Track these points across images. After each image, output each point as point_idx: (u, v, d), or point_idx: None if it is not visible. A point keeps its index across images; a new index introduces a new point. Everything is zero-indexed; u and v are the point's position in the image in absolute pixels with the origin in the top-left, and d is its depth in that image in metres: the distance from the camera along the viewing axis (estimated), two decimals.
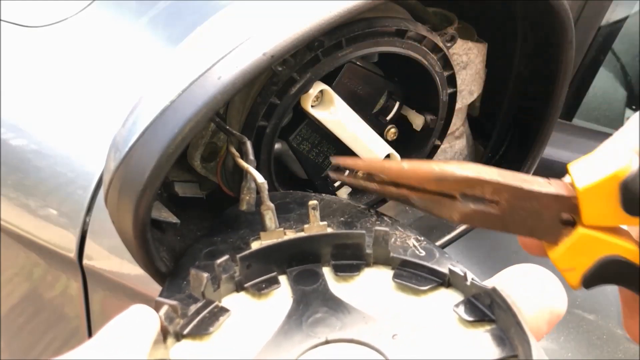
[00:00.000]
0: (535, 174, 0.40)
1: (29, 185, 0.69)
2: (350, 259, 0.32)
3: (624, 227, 0.31)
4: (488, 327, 0.28)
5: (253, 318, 0.29)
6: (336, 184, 0.51)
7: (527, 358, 0.24)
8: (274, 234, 0.35)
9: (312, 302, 0.30)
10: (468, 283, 0.29)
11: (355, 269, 0.32)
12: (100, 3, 0.75)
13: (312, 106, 0.44)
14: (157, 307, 0.27)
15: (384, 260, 0.32)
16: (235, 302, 0.30)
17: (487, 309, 0.28)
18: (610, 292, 0.56)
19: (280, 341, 0.28)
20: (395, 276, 0.31)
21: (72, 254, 0.65)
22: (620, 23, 0.81)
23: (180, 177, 0.47)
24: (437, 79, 0.48)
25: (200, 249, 0.37)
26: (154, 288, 0.38)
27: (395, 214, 0.54)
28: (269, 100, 0.42)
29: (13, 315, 0.80)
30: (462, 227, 0.52)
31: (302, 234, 0.33)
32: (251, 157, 0.39)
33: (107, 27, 0.74)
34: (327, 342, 0.28)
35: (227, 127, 0.42)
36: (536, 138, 0.55)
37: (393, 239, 0.34)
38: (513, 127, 0.59)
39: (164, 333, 0.27)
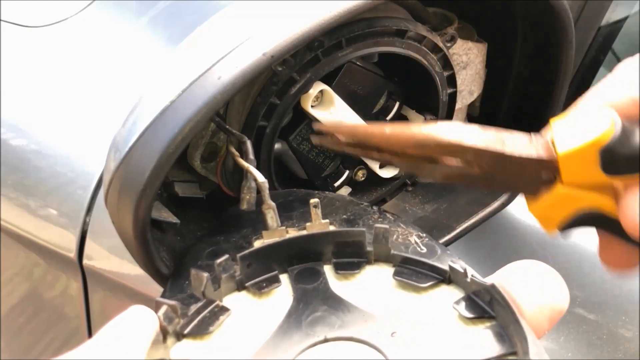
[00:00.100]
0: None
1: (29, 185, 0.69)
2: (351, 256, 0.32)
3: None
4: (488, 324, 0.28)
5: (253, 317, 0.29)
6: (336, 184, 0.51)
7: (525, 355, 0.24)
8: (276, 232, 0.35)
9: (313, 301, 0.30)
10: (468, 279, 0.29)
11: (356, 266, 0.32)
12: (100, 3, 0.75)
13: (312, 106, 0.44)
14: (156, 307, 0.27)
15: (385, 257, 0.32)
16: (236, 301, 0.30)
17: (487, 305, 0.28)
18: (610, 292, 0.56)
19: (280, 340, 0.28)
20: (395, 273, 0.31)
21: (72, 254, 0.65)
22: (620, 23, 0.81)
23: (180, 177, 0.47)
24: (437, 79, 0.48)
25: (203, 248, 0.37)
26: (154, 288, 0.38)
27: (395, 213, 0.54)
28: (269, 100, 0.42)
29: (13, 315, 0.80)
30: (463, 227, 0.52)
31: (303, 233, 0.33)
32: (251, 156, 0.39)
33: (107, 27, 0.74)
34: (326, 340, 0.28)
35: (227, 127, 0.42)
36: None
37: (395, 236, 0.34)
38: (513, 127, 0.59)
39: (164, 333, 0.27)
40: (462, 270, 0.29)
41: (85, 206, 0.63)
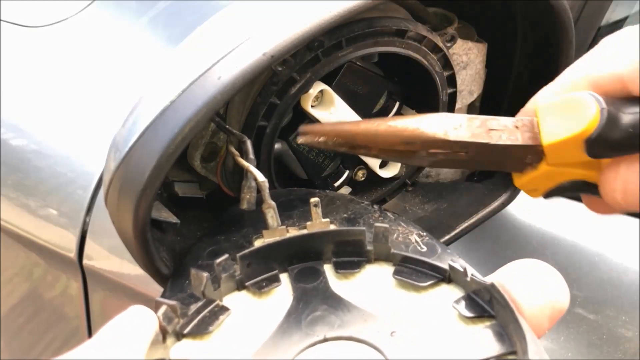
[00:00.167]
0: None
1: (29, 185, 0.69)
2: (351, 255, 0.32)
3: None
4: (488, 323, 0.28)
5: (253, 317, 0.29)
6: (336, 184, 0.51)
7: (524, 354, 0.24)
8: (277, 232, 0.35)
9: (312, 300, 0.30)
10: (468, 279, 0.29)
11: (356, 265, 0.32)
12: (100, 3, 0.76)
13: (312, 106, 0.44)
14: (156, 307, 0.27)
15: (385, 256, 0.32)
16: (236, 300, 0.30)
17: (487, 304, 0.28)
18: (610, 292, 0.56)
19: (279, 339, 0.28)
20: (395, 273, 0.31)
21: (72, 254, 0.65)
22: (620, 23, 0.81)
23: (180, 177, 0.47)
24: (437, 79, 0.48)
25: (204, 247, 0.37)
26: (154, 288, 0.38)
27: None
28: (269, 100, 0.42)
29: (13, 315, 0.80)
30: (463, 227, 0.52)
31: (303, 232, 0.33)
32: (251, 156, 0.39)
33: (107, 27, 0.74)
34: (325, 340, 0.28)
35: (227, 127, 0.42)
36: None
37: (395, 235, 0.34)
38: None
39: (163, 333, 0.27)
40: (461, 270, 0.29)
41: (85, 206, 0.63)
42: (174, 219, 0.41)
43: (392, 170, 0.52)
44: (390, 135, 0.31)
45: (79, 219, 0.64)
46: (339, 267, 0.32)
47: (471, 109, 0.58)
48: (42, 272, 0.73)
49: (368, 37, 0.43)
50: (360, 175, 0.52)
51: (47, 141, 0.69)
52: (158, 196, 0.38)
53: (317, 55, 0.41)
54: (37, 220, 0.68)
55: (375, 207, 0.38)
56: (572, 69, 0.31)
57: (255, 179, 0.38)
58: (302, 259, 0.32)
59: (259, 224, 0.37)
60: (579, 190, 0.32)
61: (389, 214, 0.37)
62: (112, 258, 0.64)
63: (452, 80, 0.50)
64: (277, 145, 0.46)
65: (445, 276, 0.30)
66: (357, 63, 0.46)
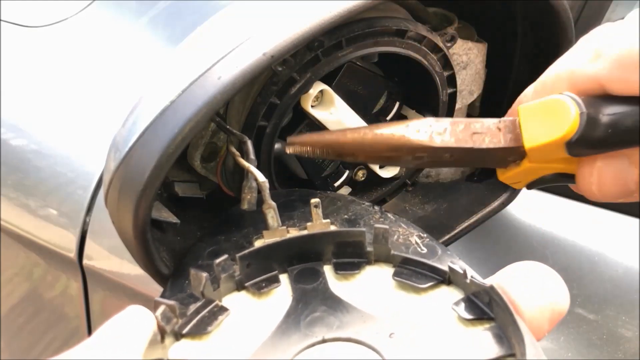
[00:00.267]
0: None
1: (29, 185, 0.69)
2: (351, 256, 0.32)
3: None
4: (487, 325, 0.28)
5: (252, 317, 0.29)
6: (336, 184, 0.51)
7: (523, 357, 0.24)
8: (277, 232, 0.35)
9: (312, 301, 0.30)
10: (468, 280, 0.29)
11: (356, 267, 0.32)
12: (100, 3, 0.76)
13: (312, 106, 0.44)
14: (155, 307, 0.27)
15: (385, 257, 0.32)
16: (236, 301, 0.30)
17: (486, 307, 0.28)
18: (610, 292, 0.56)
19: (277, 340, 0.28)
20: (395, 274, 0.31)
21: (72, 254, 0.65)
22: None
23: (180, 177, 0.47)
24: (437, 79, 0.48)
25: (204, 248, 0.37)
26: (154, 288, 0.38)
27: (395, 214, 0.54)
28: (269, 100, 0.42)
29: (13, 315, 0.80)
30: (463, 227, 0.52)
31: (303, 233, 0.33)
32: (252, 156, 0.39)
33: (107, 27, 0.74)
34: (323, 341, 0.28)
35: (228, 127, 0.42)
36: None
37: (395, 236, 0.34)
38: None
39: (162, 333, 0.27)
40: (461, 271, 0.29)
41: (85, 206, 0.63)
42: (174, 219, 0.41)
43: (392, 171, 0.52)
44: (376, 144, 0.32)
45: (79, 219, 0.64)
46: (338, 268, 0.32)
47: (471, 109, 0.58)
48: (42, 272, 0.73)
49: (368, 37, 0.43)
50: (360, 175, 0.52)
51: (47, 141, 0.69)
52: (158, 196, 0.38)
53: (317, 55, 0.41)
54: (37, 220, 0.68)
55: (376, 208, 0.38)
56: (552, 68, 0.32)
57: (256, 179, 0.38)
58: (302, 260, 0.32)
59: (260, 225, 0.37)
60: (560, 181, 0.34)
61: (389, 215, 0.37)
62: (112, 258, 0.64)
63: (452, 80, 0.50)
64: (277, 145, 0.46)
65: (445, 278, 0.30)
66: (357, 63, 0.46)
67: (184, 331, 0.28)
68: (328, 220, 0.35)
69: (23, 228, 0.69)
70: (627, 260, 0.57)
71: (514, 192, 0.53)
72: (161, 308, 0.27)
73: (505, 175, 0.34)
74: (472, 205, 0.53)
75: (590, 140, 0.29)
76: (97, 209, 0.63)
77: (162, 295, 0.34)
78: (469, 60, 0.52)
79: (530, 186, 0.35)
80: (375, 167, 0.51)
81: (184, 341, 0.28)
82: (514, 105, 0.35)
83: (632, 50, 0.28)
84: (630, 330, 0.53)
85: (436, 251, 0.32)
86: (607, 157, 0.30)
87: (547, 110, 0.30)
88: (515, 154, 0.32)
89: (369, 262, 0.32)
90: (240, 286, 0.31)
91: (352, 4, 0.35)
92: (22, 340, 0.81)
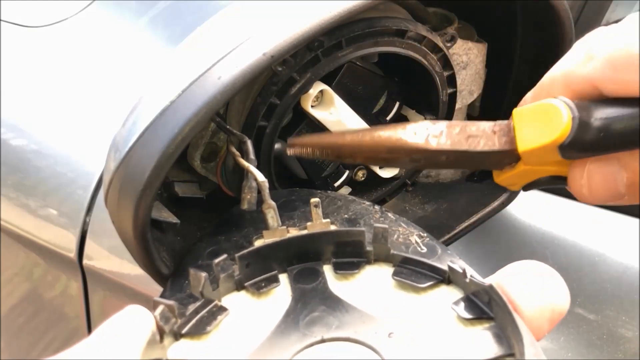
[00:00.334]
0: None
1: (29, 185, 0.69)
2: (351, 256, 0.32)
3: None
4: (487, 325, 0.28)
5: (251, 317, 0.29)
6: (336, 184, 0.51)
7: (522, 357, 0.24)
8: (277, 232, 0.35)
9: (311, 301, 0.30)
10: (467, 280, 0.29)
11: (355, 266, 0.32)
12: (100, 3, 0.76)
13: (312, 106, 0.44)
14: (154, 306, 0.27)
15: (384, 257, 0.32)
16: (235, 301, 0.30)
17: (485, 306, 0.28)
18: (610, 292, 0.56)
19: (276, 340, 0.28)
20: (395, 274, 0.31)
21: (72, 254, 0.65)
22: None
23: (180, 177, 0.47)
24: (437, 79, 0.48)
25: (204, 247, 0.37)
26: (154, 288, 0.38)
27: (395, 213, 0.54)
28: (269, 100, 0.42)
29: (13, 315, 0.80)
30: (463, 227, 0.52)
31: (302, 232, 0.33)
32: (252, 156, 0.39)
33: (107, 27, 0.74)
34: (322, 340, 0.28)
35: (228, 127, 0.42)
36: None
37: (395, 236, 0.34)
38: None
39: (161, 333, 0.27)
40: (461, 271, 0.29)
41: (85, 206, 0.63)
42: (174, 219, 0.41)
43: (391, 171, 0.52)
44: (374, 145, 0.33)
45: (79, 219, 0.64)
46: (338, 267, 0.32)
47: (471, 109, 0.58)
48: (42, 272, 0.73)
49: (368, 37, 0.43)
50: (360, 175, 0.52)
51: (47, 141, 0.69)
52: (158, 196, 0.38)
53: (317, 55, 0.41)
54: (37, 220, 0.68)
55: (377, 207, 0.38)
56: (549, 73, 0.32)
57: (256, 179, 0.38)
58: (302, 260, 0.32)
59: (260, 224, 0.37)
60: (555, 183, 0.34)
61: (390, 214, 0.37)
62: (112, 258, 0.64)
63: (452, 80, 0.50)
64: (277, 145, 0.46)
65: (445, 277, 0.30)
66: (357, 63, 0.46)
67: (183, 331, 0.28)
68: (328, 220, 0.35)
69: (23, 228, 0.69)
70: (627, 260, 0.57)
71: (514, 193, 0.53)
72: (160, 308, 0.27)
73: (501, 178, 0.34)
74: (472, 205, 0.53)
75: (582, 144, 0.29)
76: (97, 209, 0.63)
77: (162, 295, 0.34)
78: (469, 60, 0.52)
79: (526, 188, 0.35)
80: (375, 167, 0.51)
81: (183, 341, 0.28)
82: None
83: (623, 51, 0.28)
84: (630, 330, 0.53)
85: (436, 250, 0.32)
86: (598, 160, 0.30)
87: (540, 114, 0.31)
88: (509, 156, 0.32)
89: (368, 262, 0.32)
90: (239, 286, 0.31)
91: (352, 4, 0.35)
92: (22, 340, 0.81)
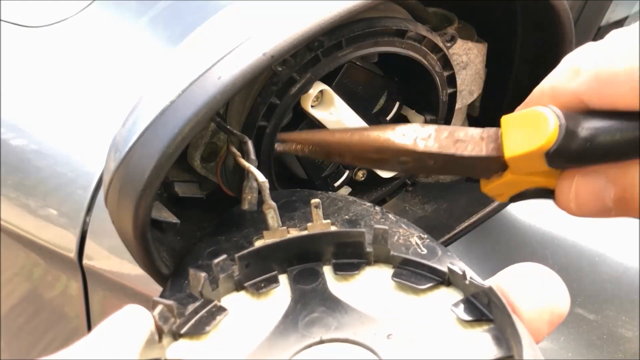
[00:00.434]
0: None
1: (29, 185, 0.69)
2: (351, 257, 0.32)
3: None
4: (486, 327, 0.28)
5: (251, 317, 0.29)
6: (336, 184, 0.51)
7: (520, 359, 0.24)
8: (277, 232, 0.35)
9: (310, 302, 0.30)
10: (467, 282, 0.29)
11: (355, 267, 0.32)
12: (100, 3, 0.75)
13: (312, 106, 0.44)
14: (153, 306, 0.27)
15: (384, 258, 0.32)
16: (234, 301, 0.30)
17: (485, 308, 0.28)
18: (610, 292, 0.56)
19: (275, 341, 0.28)
20: (395, 275, 0.31)
21: (72, 254, 0.65)
22: (620, 23, 0.81)
23: (180, 177, 0.47)
24: (437, 79, 0.48)
25: (204, 248, 0.37)
26: (153, 288, 0.38)
27: (395, 214, 0.54)
28: (269, 100, 0.42)
29: (13, 315, 0.80)
30: (463, 226, 0.52)
31: (302, 233, 0.33)
32: (252, 156, 0.39)
33: (107, 27, 0.74)
34: (321, 341, 0.28)
35: (228, 127, 0.42)
36: None
37: (396, 237, 0.34)
38: None
39: (159, 332, 0.27)
40: (460, 273, 0.29)
41: (85, 206, 0.63)
42: (174, 219, 0.41)
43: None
44: (362, 145, 0.33)
45: (79, 219, 0.64)
46: (338, 268, 0.32)
47: (471, 109, 0.58)
48: (42, 272, 0.73)
49: (368, 37, 0.43)
50: (360, 175, 0.52)
51: (47, 141, 0.69)
52: (158, 196, 0.38)
53: (317, 55, 0.41)
54: (37, 220, 0.68)
55: (377, 208, 0.38)
56: (538, 87, 0.33)
57: (256, 180, 0.38)
58: (302, 260, 0.32)
59: (260, 225, 0.37)
60: (542, 196, 0.34)
61: (390, 216, 0.37)
62: (112, 258, 0.64)
63: (452, 80, 0.50)
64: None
65: (445, 279, 0.30)
66: (357, 63, 0.46)
67: (182, 331, 0.28)
68: (328, 221, 0.35)
69: (23, 228, 0.69)
70: (627, 260, 0.57)
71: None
72: (159, 307, 0.27)
73: (488, 187, 0.34)
74: (472, 205, 0.53)
75: (568, 152, 0.29)
76: (97, 209, 0.63)
77: (161, 295, 0.34)
78: (469, 60, 0.52)
79: (513, 199, 0.35)
80: None
81: (181, 341, 0.28)
82: None
83: (609, 66, 0.28)
84: (630, 330, 0.53)
85: (436, 252, 0.32)
86: (586, 174, 0.31)
87: (527, 121, 0.31)
88: (496, 164, 0.32)
89: (368, 263, 0.32)
90: (239, 286, 0.31)
91: (352, 4, 0.35)
92: (22, 340, 0.81)
